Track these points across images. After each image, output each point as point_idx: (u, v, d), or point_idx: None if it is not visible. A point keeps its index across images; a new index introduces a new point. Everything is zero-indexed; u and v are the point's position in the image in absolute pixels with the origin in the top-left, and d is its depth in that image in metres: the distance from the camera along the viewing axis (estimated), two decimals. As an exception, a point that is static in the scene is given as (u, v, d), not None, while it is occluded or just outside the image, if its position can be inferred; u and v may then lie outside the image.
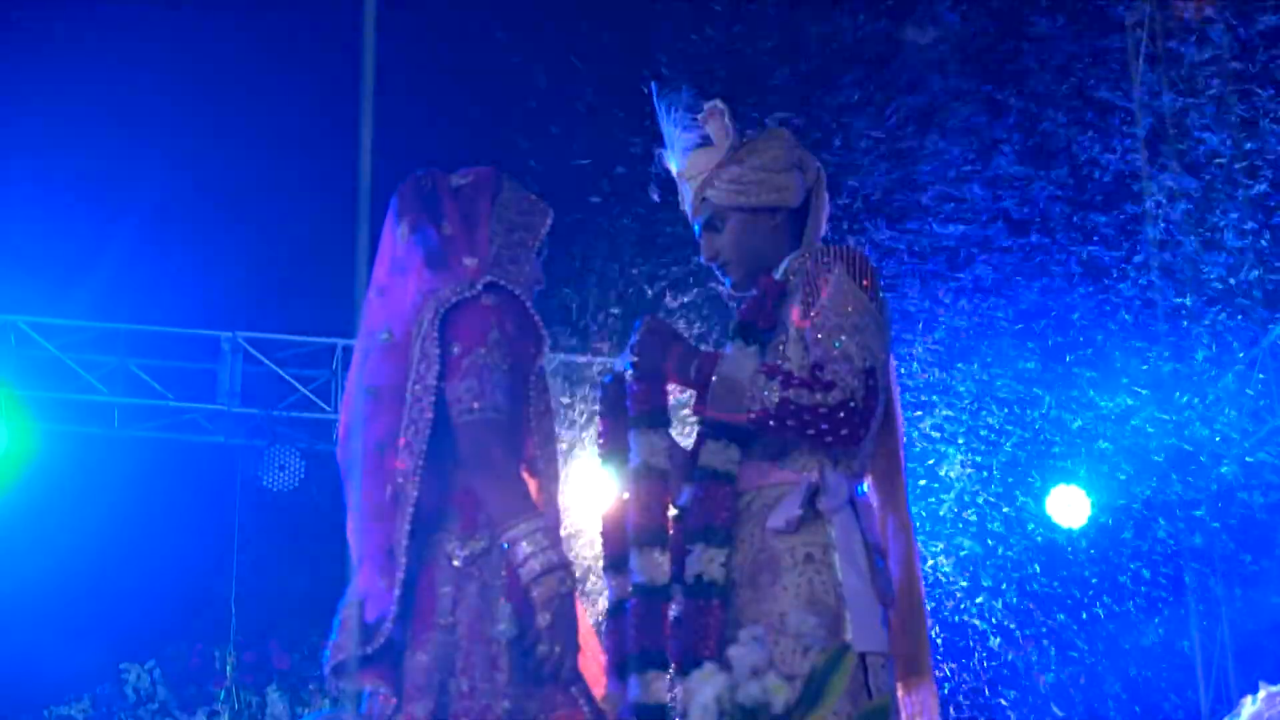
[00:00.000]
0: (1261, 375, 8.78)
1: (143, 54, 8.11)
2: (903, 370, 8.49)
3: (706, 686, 2.47)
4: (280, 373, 8.71)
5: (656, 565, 3.41)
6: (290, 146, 8.23)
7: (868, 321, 3.37)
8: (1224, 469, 9.11)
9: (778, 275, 3.56)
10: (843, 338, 3.36)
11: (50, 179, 8.35)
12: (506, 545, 3.23)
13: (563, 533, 3.41)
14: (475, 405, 3.29)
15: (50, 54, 8.27)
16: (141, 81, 8.13)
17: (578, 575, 3.36)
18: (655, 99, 3.69)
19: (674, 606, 3.40)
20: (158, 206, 8.38)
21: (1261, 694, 5.33)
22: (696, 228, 3.68)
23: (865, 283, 3.41)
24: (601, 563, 3.57)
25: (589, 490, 7.53)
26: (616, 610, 3.47)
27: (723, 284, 3.71)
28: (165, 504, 8.85)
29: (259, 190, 8.46)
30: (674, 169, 3.70)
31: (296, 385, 8.70)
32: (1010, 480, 9.34)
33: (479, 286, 3.38)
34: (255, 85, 8.27)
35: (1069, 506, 9.22)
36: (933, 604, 8.99)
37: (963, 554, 9.38)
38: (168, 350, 8.69)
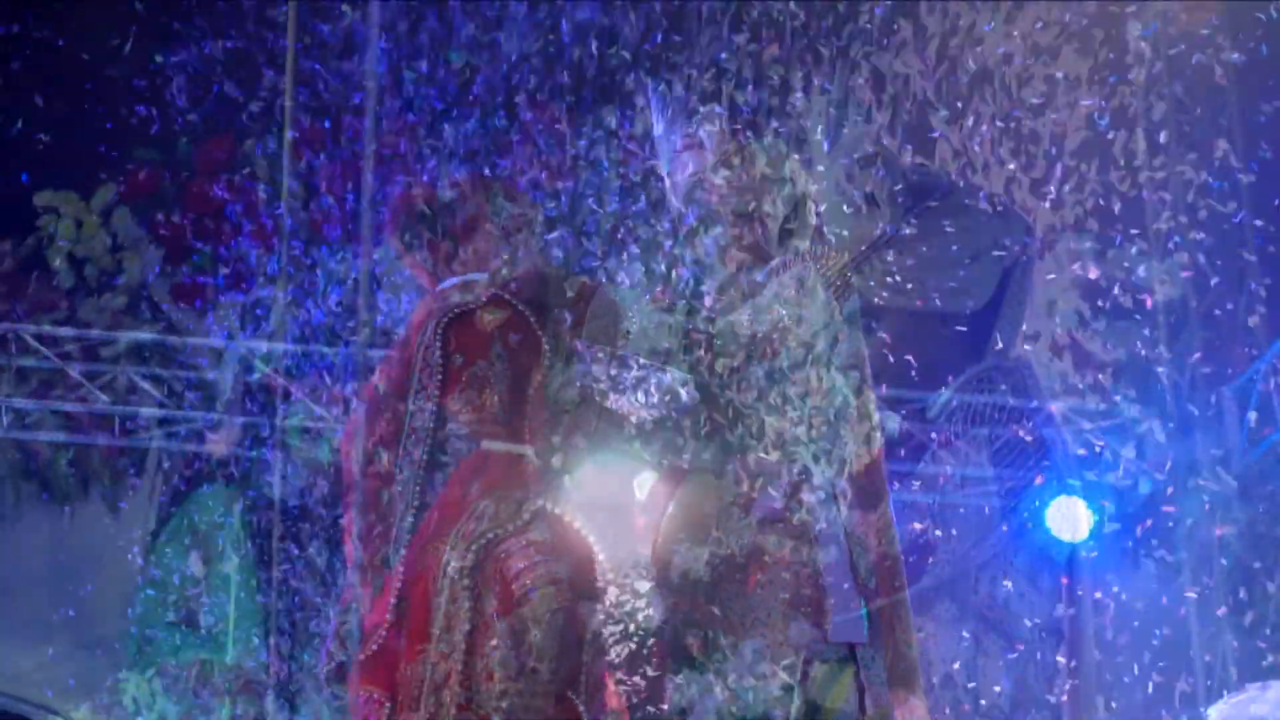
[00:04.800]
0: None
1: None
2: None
3: (708, 698, 2.45)
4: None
5: None
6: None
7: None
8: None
9: (760, 279, 3.54)
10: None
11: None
12: (500, 558, 3.24)
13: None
14: (475, 417, 3.31)
15: None
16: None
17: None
18: (650, 96, 3.69)
19: (659, 607, 3.38)
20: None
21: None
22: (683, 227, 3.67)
23: (835, 300, 3.42)
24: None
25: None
26: None
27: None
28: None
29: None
30: (663, 167, 3.70)
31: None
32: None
33: (482, 298, 3.40)
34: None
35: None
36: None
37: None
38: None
